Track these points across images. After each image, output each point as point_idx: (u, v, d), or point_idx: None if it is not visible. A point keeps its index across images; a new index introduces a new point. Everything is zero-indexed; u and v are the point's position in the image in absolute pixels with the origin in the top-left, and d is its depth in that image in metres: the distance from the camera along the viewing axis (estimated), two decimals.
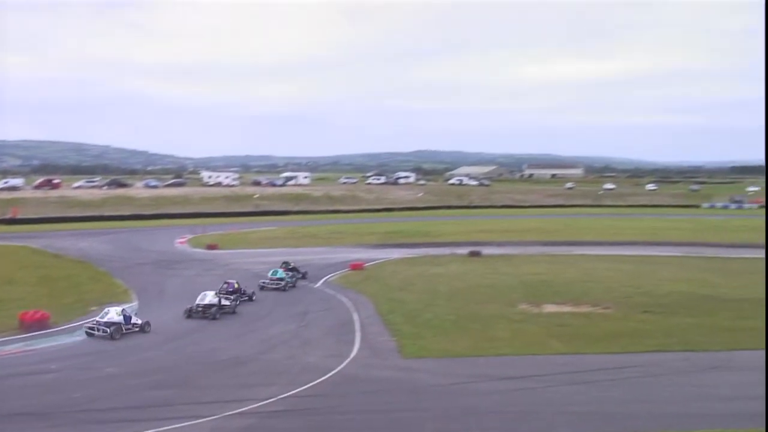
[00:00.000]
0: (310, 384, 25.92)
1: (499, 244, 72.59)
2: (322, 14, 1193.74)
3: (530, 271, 55.41)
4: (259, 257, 61.55)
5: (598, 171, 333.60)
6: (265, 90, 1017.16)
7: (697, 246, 73.09)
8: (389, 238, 78.80)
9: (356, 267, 55.76)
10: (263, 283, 47.29)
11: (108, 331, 33.08)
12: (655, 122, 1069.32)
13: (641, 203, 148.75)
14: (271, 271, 48.71)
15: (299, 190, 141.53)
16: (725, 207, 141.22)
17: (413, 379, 26.93)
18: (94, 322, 33.87)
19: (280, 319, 38.32)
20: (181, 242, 74.14)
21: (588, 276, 52.66)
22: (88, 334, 33.60)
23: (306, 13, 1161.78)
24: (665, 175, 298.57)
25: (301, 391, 25.16)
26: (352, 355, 30.56)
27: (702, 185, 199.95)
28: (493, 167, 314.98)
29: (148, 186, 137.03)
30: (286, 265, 50.92)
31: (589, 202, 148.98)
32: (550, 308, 40.43)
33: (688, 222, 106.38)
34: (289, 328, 36.02)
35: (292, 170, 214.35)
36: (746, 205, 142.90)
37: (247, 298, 42.87)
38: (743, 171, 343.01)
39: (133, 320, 34.48)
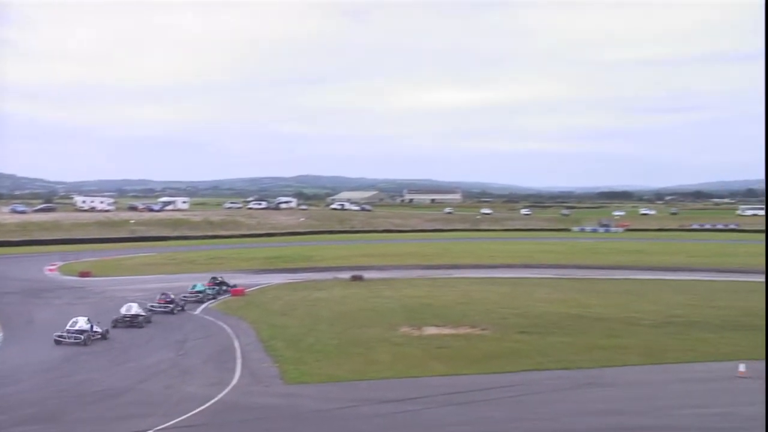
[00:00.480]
0: (189, 414, 25.18)
1: (381, 268, 73.24)
2: (203, 37, 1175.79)
3: (411, 294, 56.11)
4: (135, 284, 59.67)
5: (476, 196, 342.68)
6: (143, 112, 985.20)
7: (569, 268, 76.20)
8: (271, 264, 78.07)
9: (237, 293, 54.88)
10: (185, 297, 51.38)
11: (81, 338, 36.98)
12: (529, 149, 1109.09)
13: (516, 227, 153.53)
14: (192, 286, 53.75)
15: (178, 215, 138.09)
16: (594, 230, 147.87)
17: (295, 405, 26.63)
18: (65, 331, 37.27)
19: (159, 347, 37.17)
20: (51, 270, 70.92)
21: (467, 298, 53.81)
22: (57, 342, 36.87)
23: (186, 35, 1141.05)
24: (538, 200, 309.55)
25: (179, 421, 24.40)
26: (233, 382, 29.96)
27: (572, 210, 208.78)
28: (375, 192, 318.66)
29: (15, 211, 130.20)
30: (214, 280, 56.92)
31: (467, 226, 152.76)
32: (430, 331, 40.99)
33: (561, 245, 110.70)
34: (168, 356, 34.98)
35: (171, 195, 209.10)
36: (613, 229, 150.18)
37: (180, 308, 48.11)
38: (610, 196, 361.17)
39: (95, 328, 38.42)
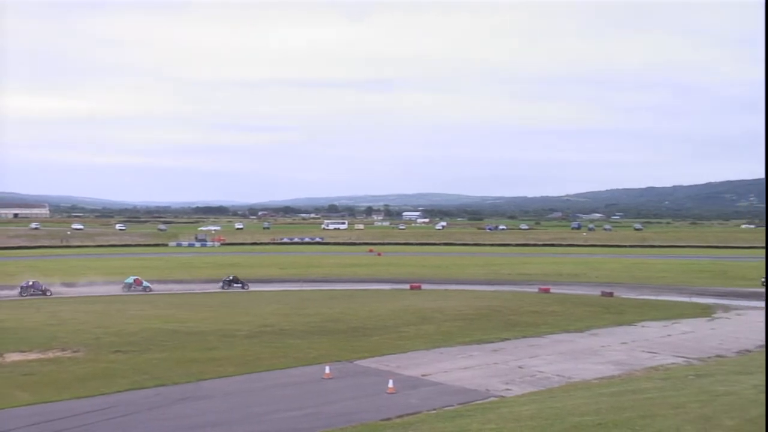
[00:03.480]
0: None
1: None
2: None
3: None
4: None
5: (66, 211, 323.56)
6: None
7: (167, 283, 75.58)
8: None
9: None
10: None
11: None
12: (123, 163, 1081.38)
13: (111, 243, 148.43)
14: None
15: None
16: (191, 245, 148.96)
17: None
18: None
19: None
20: None
21: (56, 319, 50.42)
22: None
23: None
24: (134, 215, 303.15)
25: None
26: None
27: (169, 225, 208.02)
28: None
29: None
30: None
31: (56, 242, 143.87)
32: (14, 357, 37.51)
33: (158, 260, 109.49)
34: None
35: None
36: (209, 243, 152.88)
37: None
38: (206, 211, 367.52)
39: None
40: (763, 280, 78.09)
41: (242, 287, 72.57)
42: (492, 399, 28.65)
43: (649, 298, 65.92)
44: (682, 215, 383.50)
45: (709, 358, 37.72)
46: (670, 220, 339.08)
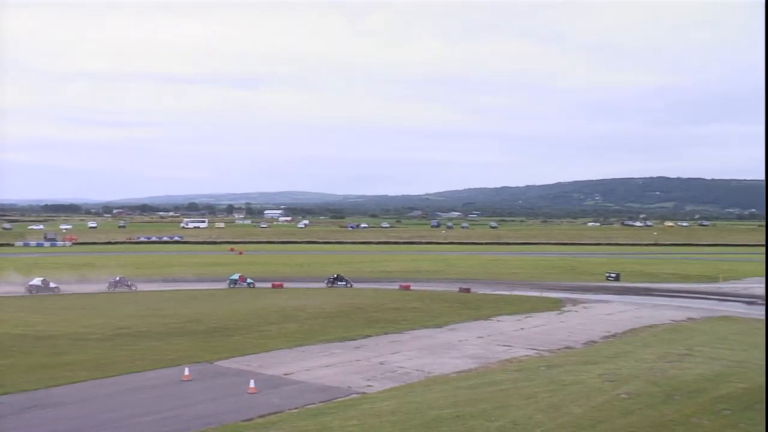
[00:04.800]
0: None
1: None
2: None
3: None
4: None
5: None
6: None
7: (12, 284, 71.43)
8: None
9: None
10: None
11: None
12: None
13: None
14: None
15: None
16: (40, 245, 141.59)
17: None
18: None
19: None
20: None
21: None
22: None
23: None
24: None
25: None
26: None
27: (15, 223, 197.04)
28: None
29: None
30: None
31: None
32: None
33: (3, 261, 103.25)
34: None
35: None
36: (60, 243, 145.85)
37: None
38: (57, 209, 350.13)
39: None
40: (608, 274, 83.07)
41: (346, 285, 73.40)
42: (354, 396, 28.94)
43: (504, 293, 68.54)
44: (534, 213, 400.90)
45: (558, 349, 39.71)
46: (523, 218, 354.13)
